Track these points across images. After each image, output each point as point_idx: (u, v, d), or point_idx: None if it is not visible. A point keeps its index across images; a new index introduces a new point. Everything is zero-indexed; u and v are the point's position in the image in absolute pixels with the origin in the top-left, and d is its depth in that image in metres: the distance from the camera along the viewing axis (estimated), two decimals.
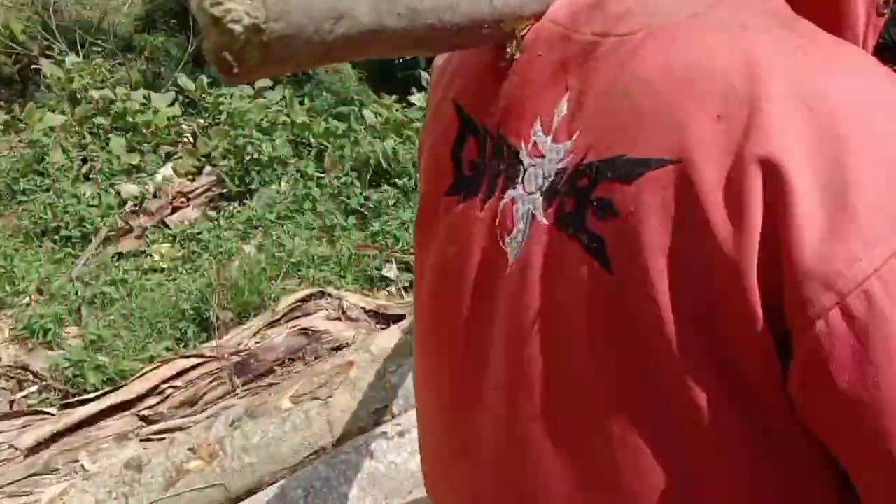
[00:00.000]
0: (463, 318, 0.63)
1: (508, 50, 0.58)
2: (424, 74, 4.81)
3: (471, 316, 0.62)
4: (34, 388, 2.86)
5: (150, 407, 2.75)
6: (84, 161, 4.36)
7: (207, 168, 4.36)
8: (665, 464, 0.49)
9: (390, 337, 2.35)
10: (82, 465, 2.52)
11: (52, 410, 2.64)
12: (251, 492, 2.04)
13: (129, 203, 4.05)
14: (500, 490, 0.60)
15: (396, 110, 4.65)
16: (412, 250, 3.50)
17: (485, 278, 0.60)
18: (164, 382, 2.77)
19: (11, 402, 2.86)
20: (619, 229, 0.48)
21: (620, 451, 0.50)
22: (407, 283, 3.46)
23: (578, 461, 0.53)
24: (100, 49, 6.09)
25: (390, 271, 3.46)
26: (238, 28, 0.42)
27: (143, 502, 2.00)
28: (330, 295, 3.16)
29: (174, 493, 2.01)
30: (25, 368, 3.03)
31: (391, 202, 3.89)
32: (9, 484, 2.33)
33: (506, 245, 0.58)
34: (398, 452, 1.99)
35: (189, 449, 2.10)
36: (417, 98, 4.65)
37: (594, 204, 0.50)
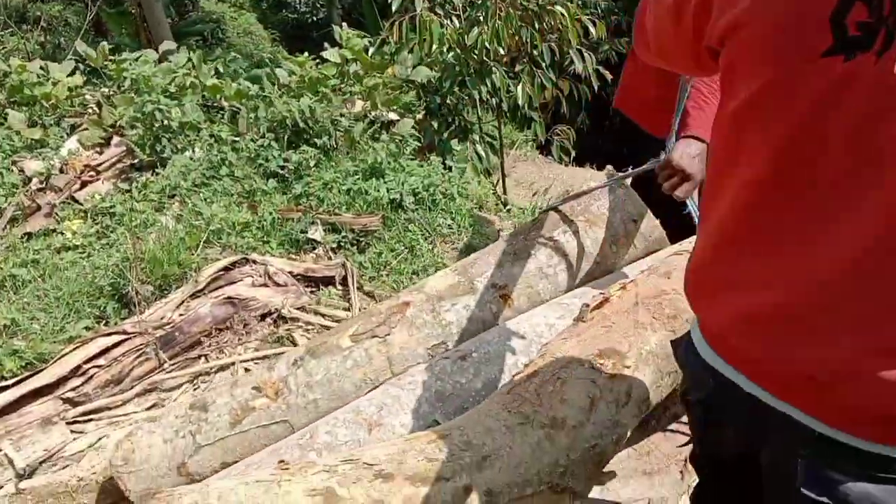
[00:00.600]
0: (847, 152, 0.83)
1: None
2: (338, 29, 4.68)
3: (861, 147, 0.82)
4: None
5: (73, 389, 2.66)
6: None
7: (115, 139, 4.17)
8: None
9: (442, 279, 2.44)
10: (6, 455, 2.43)
11: None
12: None
13: (35, 180, 3.84)
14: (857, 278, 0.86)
15: (311, 68, 4.52)
16: (337, 211, 3.53)
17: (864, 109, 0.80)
18: (86, 362, 2.68)
19: None
20: None
21: None
22: (334, 245, 3.42)
23: None
24: None
25: (316, 233, 3.40)
26: None
27: (211, 439, 2.09)
28: (254, 261, 3.10)
29: (241, 431, 2.10)
30: None
31: (312, 163, 3.81)
32: None
33: (856, 61, 0.77)
34: (462, 374, 2.08)
35: (254, 388, 2.18)
36: (331, 53, 4.54)
37: None
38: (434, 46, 4.29)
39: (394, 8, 4.04)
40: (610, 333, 1.73)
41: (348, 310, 3.08)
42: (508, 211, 4.40)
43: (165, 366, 2.79)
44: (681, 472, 2.15)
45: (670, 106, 2.23)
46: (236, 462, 2.07)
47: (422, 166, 3.91)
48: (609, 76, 4.48)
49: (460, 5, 4.36)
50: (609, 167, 2.58)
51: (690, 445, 1.43)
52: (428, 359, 2.22)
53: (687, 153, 2.08)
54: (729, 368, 1.08)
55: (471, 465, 1.44)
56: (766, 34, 0.85)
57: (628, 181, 2.62)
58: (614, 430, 1.63)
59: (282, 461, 1.59)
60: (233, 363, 2.75)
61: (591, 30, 4.27)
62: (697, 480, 1.42)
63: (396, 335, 2.24)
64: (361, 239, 3.46)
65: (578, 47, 4.30)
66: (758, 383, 1.03)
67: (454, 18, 4.34)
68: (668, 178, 2.09)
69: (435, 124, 4.45)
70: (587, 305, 1.94)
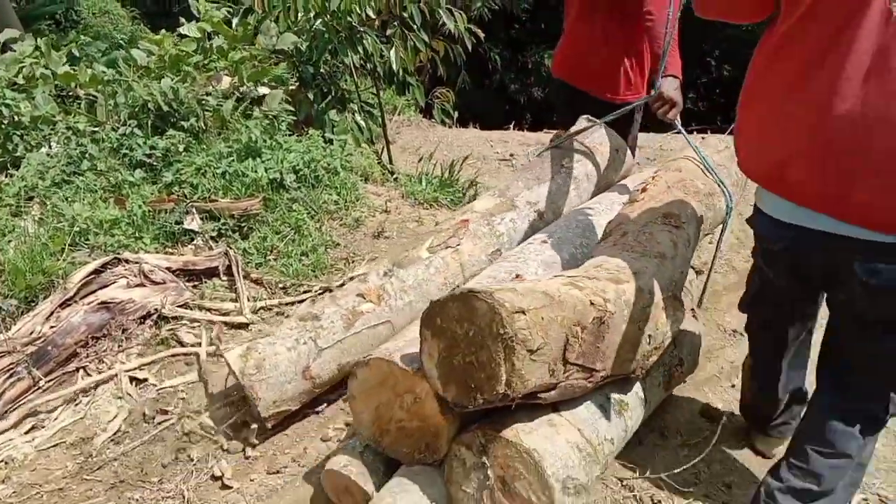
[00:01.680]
0: (868, 45, 1.46)
1: None
2: (193, 2, 4.40)
3: (868, 45, 1.47)
4: None
5: None
6: None
7: None
8: None
9: (488, 200, 2.92)
10: None
11: None
12: None
13: None
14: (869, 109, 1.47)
15: (170, 46, 4.24)
16: (213, 197, 3.39)
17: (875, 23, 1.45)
18: None
19: None
20: None
21: None
22: (214, 234, 3.25)
23: None
24: None
25: (193, 223, 3.22)
26: None
27: (331, 342, 2.35)
28: (127, 261, 2.90)
29: (354, 332, 2.40)
30: None
31: (181, 148, 3.59)
32: None
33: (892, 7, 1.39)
34: (548, 251, 2.54)
35: (358, 295, 2.48)
36: (188, 28, 4.27)
37: None
38: (300, 14, 4.12)
39: None
40: (661, 205, 2.46)
41: (235, 300, 2.94)
42: (396, 180, 4.32)
43: (41, 384, 2.58)
44: None
45: (611, 71, 3.26)
46: (349, 362, 2.37)
47: (300, 141, 3.76)
48: (482, 34, 4.44)
49: None
50: (585, 116, 3.23)
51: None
52: (488, 263, 2.65)
53: (672, 87, 2.86)
54: (806, 214, 1.66)
55: (630, 275, 2.02)
56: None
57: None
58: (688, 262, 2.41)
59: (518, 275, 2.20)
60: (115, 375, 2.57)
61: None
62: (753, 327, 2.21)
63: (464, 245, 2.68)
64: (243, 224, 3.30)
65: (448, 6, 4.23)
66: (825, 212, 1.62)
67: None
68: (660, 107, 2.85)
69: (310, 95, 4.28)
70: (637, 190, 2.65)
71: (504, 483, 1.76)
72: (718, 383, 2.85)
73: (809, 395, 2.07)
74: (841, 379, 1.91)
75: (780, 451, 2.19)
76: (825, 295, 1.92)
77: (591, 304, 1.81)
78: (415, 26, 4.25)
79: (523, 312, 1.63)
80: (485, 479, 1.79)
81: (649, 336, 2.02)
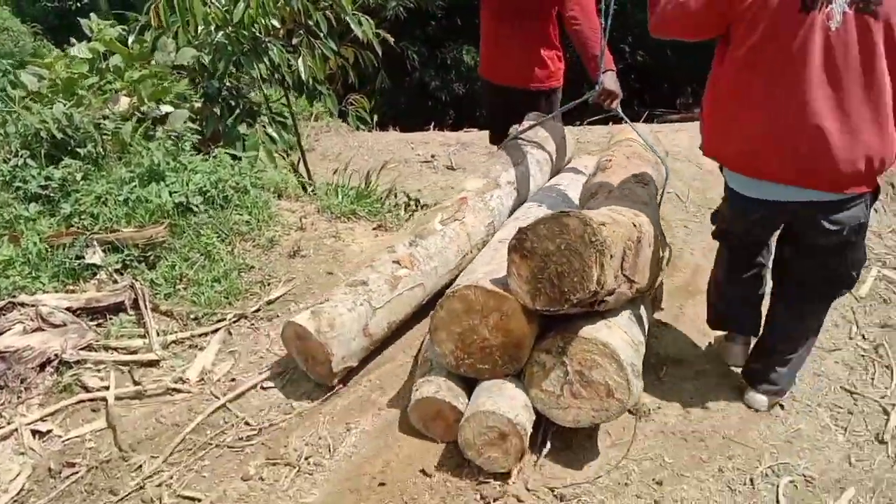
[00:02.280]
0: (811, 57, 2.07)
1: None
2: (85, 21, 4.18)
3: (816, 56, 2.06)
4: None
5: None
6: None
7: None
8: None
9: (477, 181, 3.40)
10: None
11: None
12: (439, 292, 2.85)
13: None
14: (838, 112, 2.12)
15: (61, 68, 4.02)
16: (116, 227, 3.29)
17: (819, 39, 2.05)
18: None
19: None
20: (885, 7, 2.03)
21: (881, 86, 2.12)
22: (118, 266, 3.08)
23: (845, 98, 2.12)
24: None
25: (94, 256, 3.05)
26: None
27: (382, 303, 2.68)
28: (23, 304, 2.73)
29: (398, 294, 2.75)
30: None
31: (79, 176, 3.39)
32: None
33: (830, 25, 2.03)
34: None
35: (394, 262, 2.83)
36: (79, 49, 4.05)
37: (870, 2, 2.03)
38: (200, 28, 3.96)
39: None
40: (631, 169, 3.12)
41: (144, 336, 2.79)
42: (313, 192, 4.20)
43: None
44: None
45: (531, 63, 3.72)
46: (395, 321, 2.79)
47: (206, 160, 3.61)
48: (391, 39, 4.36)
49: None
50: (534, 112, 3.79)
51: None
52: (486, 233, 3.21)
53: (613, 81, 3.33)
54: (778, 187, 2.27)
55: (640, 212, 2.52)
56: (770, 4, 2.10)
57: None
58: (657, 211, 2.99)
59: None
60: (15, 429, 2.40)
61: None
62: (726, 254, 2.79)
63: (468, 218, 3.16)
64: (149, 253, 3.15)
65: (355, 12, 4.13)
66: (794, 185, 2.24)
67: None
68: (605, 99, 3.32)
69: (217, 111, 4.12)
70: (606, 160, 3.29)
71: (582, 375, 2.24)
72: (644, 377, 2.86)
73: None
74: (793, 288, 2.60)
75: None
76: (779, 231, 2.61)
77: (634, 225, 2.36)
78: (321, 34, 4.14)
79: (604, 225, 2.13)
80: (564, 376, 2.26)
81: (658, 259, 2.59)
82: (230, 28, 3.90)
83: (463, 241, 3.09)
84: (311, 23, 4.09)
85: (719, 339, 3.04)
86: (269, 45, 3.99)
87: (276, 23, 4.04)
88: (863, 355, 3.15)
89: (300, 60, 4.07)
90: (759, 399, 2.69)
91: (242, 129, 4.22)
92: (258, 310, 3.04)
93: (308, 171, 4.54)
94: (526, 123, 3.70)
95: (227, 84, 4.23)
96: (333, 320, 2.51)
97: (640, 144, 3.49)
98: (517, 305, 2.23)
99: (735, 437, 2.57)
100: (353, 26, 4.10)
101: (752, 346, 2.87)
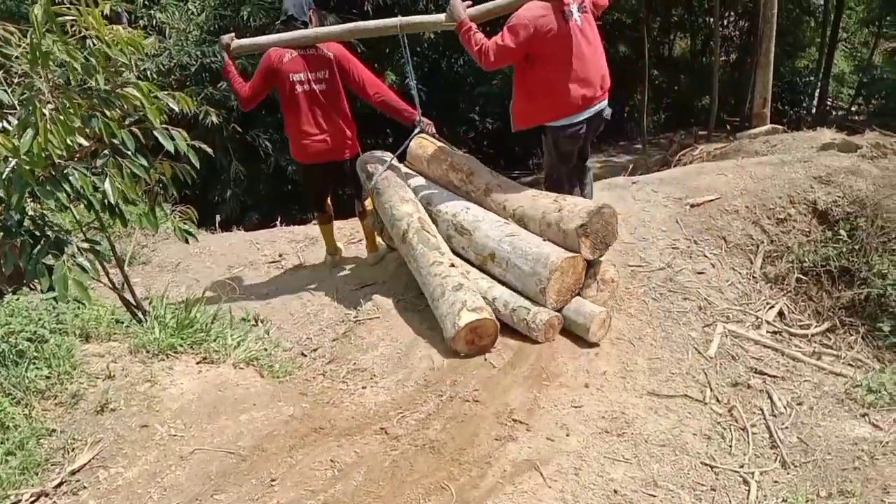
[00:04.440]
0: (573, 40, 4.34)
1: None
2: None
3: (573, 39, 4.34)
4: None
5: None
6: None
7: None
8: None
9: (408, 205, 4.80)
10: None
11: None
12: None
13: None
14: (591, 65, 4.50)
15: None
16: None
17: (573, 30, 4.34)
18: None
19: None
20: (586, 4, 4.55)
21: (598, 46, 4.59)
22: None
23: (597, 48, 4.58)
24: None
25: None
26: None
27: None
28: None
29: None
30: None
31: None
32: None
33: (571, 21, 4.34)
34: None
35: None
36: None
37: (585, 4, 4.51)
38: None
39: None
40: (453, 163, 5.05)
41: None
42: (140, 321, 3.84)
43: None
44: None
45: (339, 140, 5.01)
46: None
47: None
48: (210, 150, 4.13)
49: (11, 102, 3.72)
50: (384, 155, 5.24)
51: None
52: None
53: (422, 117, 4.89)
54: (582, 114, 4.47)
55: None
56: (550, 29, 4.25)
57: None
58: None
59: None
60: None
61: (174, 106, 3.88)
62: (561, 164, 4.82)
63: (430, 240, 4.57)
64: None
65: (165, 126, 3.88)
66: (587, 108, 4.49)
67: (4, 122, 3.68)
68: (427, 126, 4.90)
69: (17, 243, 3.71)
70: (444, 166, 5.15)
71: (601, 278, 4.40)
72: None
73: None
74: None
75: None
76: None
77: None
78: (129, 153, 3.85)
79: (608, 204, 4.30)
80: (595, 281, 4.35)
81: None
82: (20, 158, 3.55)
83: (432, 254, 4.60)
84: (115, 141, 3.79)
85: None
86: (68, 170, 3.65)
87: (82, 141, 3.72)
88: (718, 422, 3.15)
89: (107, 182, 3.76)
90: None
91: (49, 260, 3.82)
92: (60, 483, 2.68)
93: (134, 295, 4.17)
94: (379, 167, 4.91)
95: (30, 214, 3.84)
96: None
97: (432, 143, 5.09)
98: (583, 261, 4.18)
99: None
100: (162, 141, 3.84)
101: None
